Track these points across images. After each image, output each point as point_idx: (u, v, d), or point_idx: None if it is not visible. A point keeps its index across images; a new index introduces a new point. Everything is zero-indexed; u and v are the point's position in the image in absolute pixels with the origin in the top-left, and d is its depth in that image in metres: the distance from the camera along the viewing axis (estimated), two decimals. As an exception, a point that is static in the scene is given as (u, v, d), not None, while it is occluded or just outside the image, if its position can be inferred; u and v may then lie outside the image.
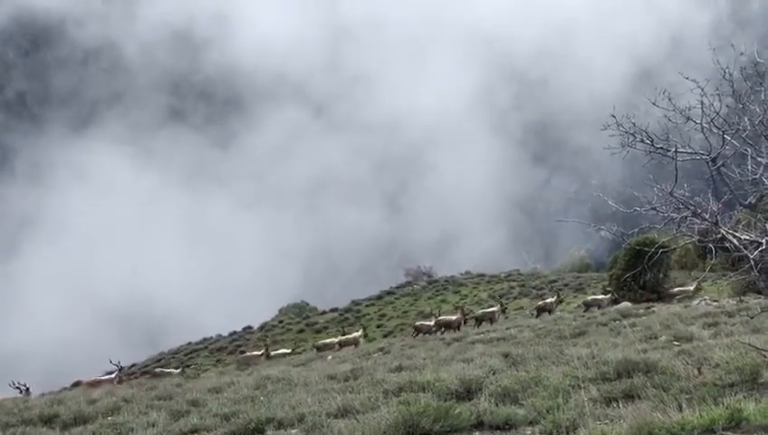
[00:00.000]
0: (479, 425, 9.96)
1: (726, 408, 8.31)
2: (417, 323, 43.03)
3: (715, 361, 12.63)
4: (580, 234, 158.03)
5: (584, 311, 37.53)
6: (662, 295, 39.02)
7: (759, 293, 37.33)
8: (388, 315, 61.30)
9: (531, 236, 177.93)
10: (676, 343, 18.07)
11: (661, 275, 44.61)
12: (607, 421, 9.24)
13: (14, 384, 32.83)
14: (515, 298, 56.92)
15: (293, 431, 10.97)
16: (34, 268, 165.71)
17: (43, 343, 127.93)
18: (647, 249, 41.17)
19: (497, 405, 10.60)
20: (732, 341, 15.07)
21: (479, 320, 38.81)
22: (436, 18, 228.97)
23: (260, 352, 41.37)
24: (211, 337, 64.21)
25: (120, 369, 36.85)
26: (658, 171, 11.80)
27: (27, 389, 32.56)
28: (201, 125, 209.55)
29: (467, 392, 12.02)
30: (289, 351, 42.97)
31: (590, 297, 40.53)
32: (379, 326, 54.93)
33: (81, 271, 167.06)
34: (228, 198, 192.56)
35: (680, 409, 8.54)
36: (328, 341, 42.46)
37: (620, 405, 10.24)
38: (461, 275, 73.76)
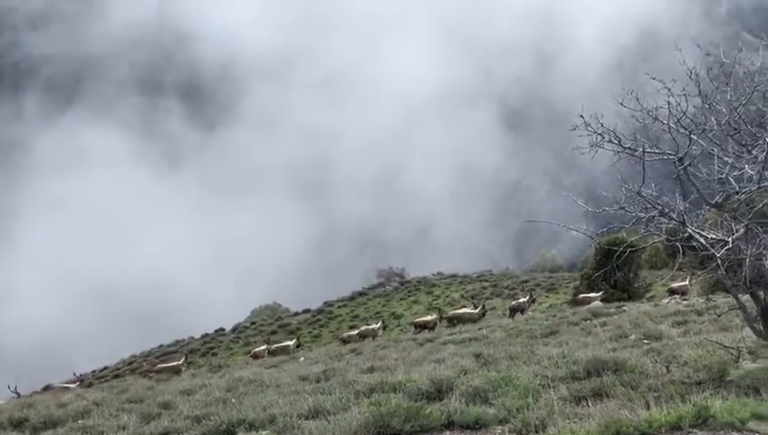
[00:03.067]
0: (450, 425, 9.97)
1: (693, 405, 8.38)
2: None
3: (684, 359, 12.72)
4: (551, 234, 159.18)
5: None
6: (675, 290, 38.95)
7: (727, 291, 37.64)
8: (360, 316, 61.29)
9: (504, 237, 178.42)
10: (645, 341, 18.18)
11: (631, 275, 44.80)
12: (576, 420, 9.27)
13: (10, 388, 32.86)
14: (488, 298, 56.97)
15: (264, 433, 10.94)
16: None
17: (31, 329, 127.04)
18: (616, 248, 41.56)
19: (468, 405, 10.62)
20: (700, 339, 15.18)
21: (457, 320, 38.80)
22: (407, 3, 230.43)
23: (263, 348, 41.79)
24: (183, 339, 63.97)
25: (81, 380, 36.69)
26: (630, 171, 11.87)
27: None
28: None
29: (438, 393, 12.04)
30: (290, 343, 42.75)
31: (581, 295, 40.59)
32: (351, 327, 54.76)
33: (67, 255, 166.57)
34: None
35: (648, 406, 8.60)
36: (353, 332, 43.20)
37: (590, 404, 10.31)
38: (433, 275, 73.95)
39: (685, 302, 33.24)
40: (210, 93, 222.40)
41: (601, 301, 38.52)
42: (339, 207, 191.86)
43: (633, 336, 19.58)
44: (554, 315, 32.83)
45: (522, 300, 41.66)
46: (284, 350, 40.67)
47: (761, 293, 10.82)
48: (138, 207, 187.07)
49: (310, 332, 58.80)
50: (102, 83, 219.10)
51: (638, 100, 11.01)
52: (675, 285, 40.98)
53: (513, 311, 39.64)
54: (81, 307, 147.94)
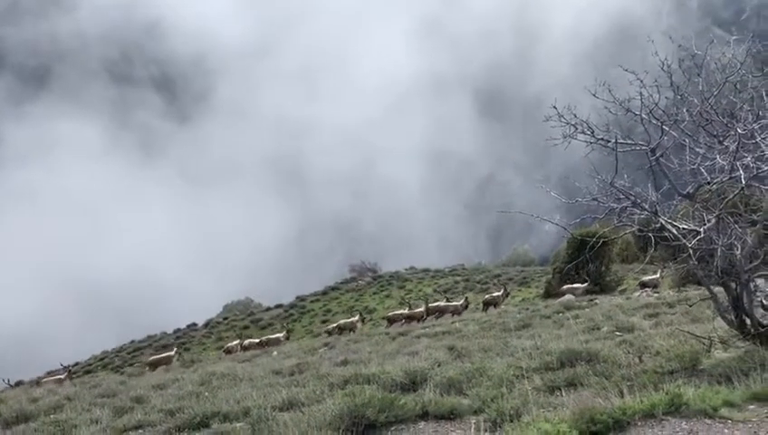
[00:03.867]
0: (424, 415, 10.00)
1: (666, 393, 8.44)
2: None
3: (656, 349, 12.82)
4: (524, 229, 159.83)
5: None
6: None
7: (698, 283, 37.94)
8: (333, 311, 61.24)
9: (476, 231, 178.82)
10: (618, 333, 18.30)
11: (603, 268, 44.94)
12: (550, 409, 9.33)
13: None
14: (461, 292, 56.98)
15: (239, 425, 10.90)
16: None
17: (3, 324, 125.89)
18: (589, 241, 41.75)
19: (442, 396, 10.66)
20: (671, 330, 15.30)
21: (441, 312, 39.00)
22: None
23: (235, 343, 42.23)
24: (155, 334, 63.61)
25: (68, 370, 36.43)
26: (603, 163, 11.92)
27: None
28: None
29: (413, 384, 12.06)
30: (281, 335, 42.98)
31: (565, 286, 40.63)
32: (324, 322, 54.76)
33: (41, 248, 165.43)
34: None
35: (621, 395, 8.65)
36: (398, 312, 43.07)
37: (563, 393, 10.36)
38: (405, 270, 73.90)
39: (656, 294, 33.47)
40: (183, 85, 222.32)
41: (586, 292, 38.72)
42: (313, 200, 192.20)
43: (605, 328, 19.70)
44: (527, 309, 32.93)
45: (496, 294, 41.72)
46: (276, 341, 40.79)
47: (732, 283, 10.89)
48: (112, 199, 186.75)
49: (282, 327, 58.54)
50: (73, 74, 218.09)
51: (610, 91, 11.05)
52: (646, 278, 41.24)
53: (487, 304, 39.69)
54: (54, 300, 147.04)
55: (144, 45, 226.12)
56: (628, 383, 9.89)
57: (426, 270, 73.30)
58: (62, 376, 33.87)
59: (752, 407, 8.37)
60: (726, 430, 7.73)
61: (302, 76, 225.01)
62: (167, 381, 21.47)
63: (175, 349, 42.37)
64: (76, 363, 57.43)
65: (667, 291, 35.63)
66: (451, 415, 9.91)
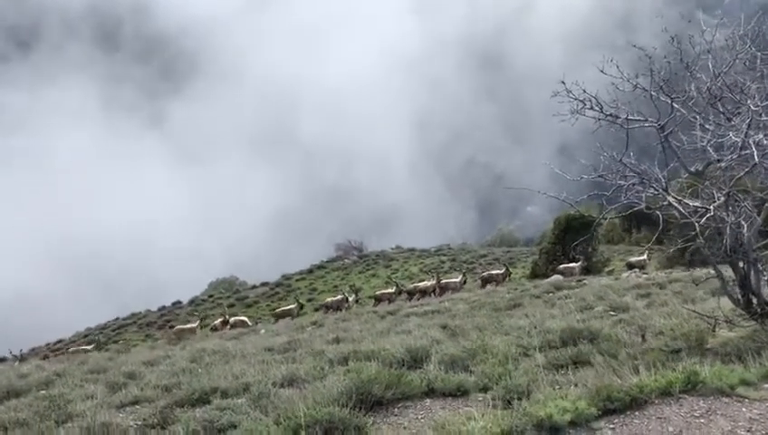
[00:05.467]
0: (430, 392, 9.88)
1: (683, 371, 8.36)
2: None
3: (657, 328, 12.77)
4: (509, 210, 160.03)
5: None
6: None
7: (686, 265, 38.08)
8: (319, 289, 61.26)
9: (461, 212, 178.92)
10: (612, 313, 18.26)
11: (590, 249, 45.00)
12: (558, 387, 9.24)
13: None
14: (446, 272, 57.02)
15: (240, 401, 10.77)
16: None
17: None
18: (575, 223, 41.76)
19: (447, 373, 10.55)
20: (671, 309, 15.29)
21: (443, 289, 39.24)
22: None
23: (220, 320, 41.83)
24: (140, 312, 63.41)
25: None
26: (601, 141, 11.81)
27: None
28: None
29: (414, 361, 11.93)
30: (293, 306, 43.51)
31: (561, 266, 40.71)
32: (310, 300, 54.73)
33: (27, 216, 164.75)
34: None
35: (637, 372, 8.57)
36: (386, 291, 44.19)
37: (570, 371, 10.29)
38: (391, 249, 73.99)
39: (645, 275, 33.54)
40: (172, 54, 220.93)
41: (582, 270, 38.92)
42: (302, 173, 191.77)
43: (599, 308, 19.67)
44: (516, 289, 32.96)
45: (495, 272, 41.96)
46: (289, 313, 42.54)
47: (739, 262, 10.81)
48: (101, 170, 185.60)
49: (268, 305, 58.51)
50: (61, 39, 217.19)
51: (618, 67, 10.93)
52: (633, 259, 41.47)
53: (485, 282, 39.99)
54: (44, 270, 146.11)
55: (130, 19, 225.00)
56: (635, 362, 9.82)
57: (411, 250, 73.42)
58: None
59: (767, 386, 8.32)
60: (744, 409, 7.66)
61: (293, 41, 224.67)
62: (156, 357, 21.33)
63: (198, 320, 42.42)
64: (59, 341, 57.20)
65: (656, 272, 35.75)
66: (458, 392, 9.80)
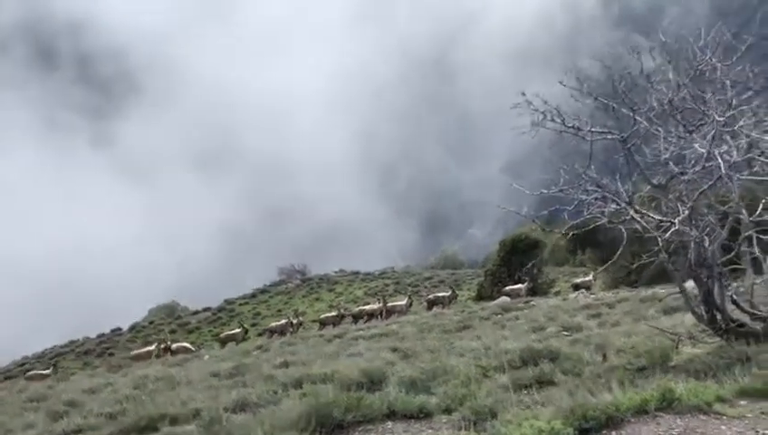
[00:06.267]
0: (392, 414, 9.52)
1: (657, 389, 8.12)
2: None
3: (617, 347, 12.58)
4: (451, 231, 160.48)
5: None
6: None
7: (630, 285, 38.28)
8: (262, 314, 60.58)
9: (403, 232, 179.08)
10: (565, 333, 18.08)
11: (535, 271, 45.05)
12: (524, 407, 8.95)
13: None
14: (391, 295, 56.73)
15: (189, 428, 10.31)
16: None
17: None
18: (521, 245, 41.84)
19: (408, 394, 10.21)
20: (629, 328, 15.15)
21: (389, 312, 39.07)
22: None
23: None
24: (77, 340, 62.07)
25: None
26: (548, 155, 11.61)
27: None
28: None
29: (371, 383, 11.57)
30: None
31: (508, 287, 40.66)
32: (254, 325, 53.96)
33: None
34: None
35: (609, 390, 8.30)
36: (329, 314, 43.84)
37: (535, 391, 10.01)
38: (335, 272, 73.54)
39: (592, 296, 33.59)
40: (111, 75, 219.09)
41: (528, 291, 38.99)
42: (241, 196, 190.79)
43: (551, 329, 19.49)
44: (462, 311, 32.80)
45: (441, 294, 41.91)
46: (234, 338, 42.44)
47: (703, 277, 10.62)
48: (40, 193, 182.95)
49: (210, 330, 57.71)
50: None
51: (578, 79, 10.74)
52: (578, 280, 41.61)
53: (432, 304, 39.91)
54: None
55: (66, 38, 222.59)
56: (601, 381, 9.59)
57: (355, 273, 73.05)
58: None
59: (743, 402, 8.09)
60: (723, 427, 7.41)
61: (236, 54, 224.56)
62: (97, 385, 20.79)
63: (155, 344, 41.62)
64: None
65: (602, 292, 35.85)
66: (420, 414, 9.47)
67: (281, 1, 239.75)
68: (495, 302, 35.59)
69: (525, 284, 40.44)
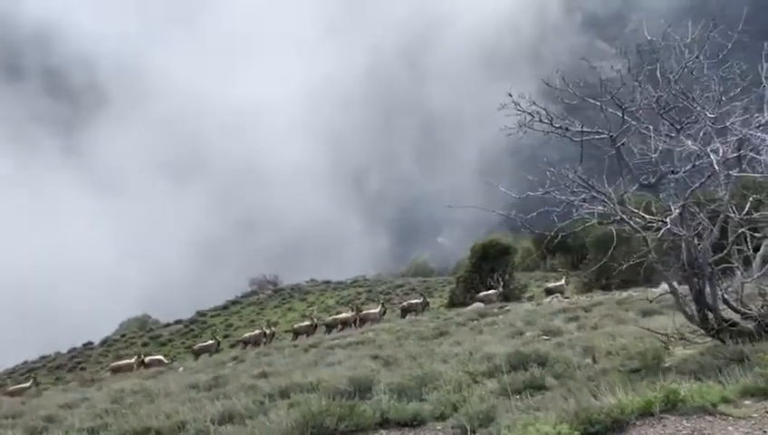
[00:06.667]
0: (385, 422, 9.34)
1: (661, 390, 7.98)
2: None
3: (604, 349, 12.47)
4: (421, 240, 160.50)
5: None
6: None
7: (603, 289, 38.39)
8: (234, 325, 60.20)
9: (373, 241, 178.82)
10: (545, 337, 17.98)
11: (506, 276, 45.12)
12: (519, 412, 8.78)
13: None
14: (363, 303, 56.53)
15: (177, 441, 10.10)
16: None
17: None
18: (492, 251, 41.87)
19: (399, 402, 10.01)
20: (613, 329, 15.06)
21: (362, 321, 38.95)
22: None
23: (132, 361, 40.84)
24: (49, 355, 61.32)
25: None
26: (521, 160, 11.54)
27: None
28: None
29: (358, 391, 11.37)
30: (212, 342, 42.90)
31: (481, 293, 40.65)
32: (226, 337, 53.59)
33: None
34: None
35: (613, 393, 8.15)
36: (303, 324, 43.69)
37: (528, 396, 9.86)
38: (306, 282, 73.22)
39: (567, 300, 33.64)
40: (78, 87, 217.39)
41: (499, 296, 39.08)
42: (216, 203, 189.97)
43: (530, 333, 19.41)
44: (438, 317, 32.69)
45: (414, 301, 41.89)
46: (207, 349, 42.31)
47: (694, 277, 10.51)
48: (3, 206, 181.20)
49: (183, 343, 57.26)
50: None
51: (563, 79, 10.62)
52: (551, 285, 41.71)
53: (405, 311, 39.94)
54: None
55: (32, 49, 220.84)
56: (594, 384, 9.44)
57: (327, 282, 72.79)
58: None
59: (747, 402, 7.95)
60: (731, 428, 7.27)
61: (204, 63, 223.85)
62: (73, 400, 20.42)
63: (135, 356, 41.26)
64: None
65: (577, 296, 35.91)
66: (414, 422, 9.28)
67: (249, 10, 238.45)
68: (470, 308, 35.57)
69: (497, 290, 40.45)
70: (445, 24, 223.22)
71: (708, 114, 9.85)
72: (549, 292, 40.07)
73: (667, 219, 9.90)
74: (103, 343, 62.76)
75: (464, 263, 57.02)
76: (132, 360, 40.05)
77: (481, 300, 38.94)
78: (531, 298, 42.16)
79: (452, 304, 46.55)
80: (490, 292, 40.25)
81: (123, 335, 63.91)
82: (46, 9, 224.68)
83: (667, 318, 13.88)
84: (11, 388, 39.80)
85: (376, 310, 40.59)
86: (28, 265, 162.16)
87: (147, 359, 39.70)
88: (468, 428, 8.42)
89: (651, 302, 16.91)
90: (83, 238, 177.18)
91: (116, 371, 38.68)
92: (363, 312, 40.86)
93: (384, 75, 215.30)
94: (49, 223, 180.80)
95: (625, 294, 29.76)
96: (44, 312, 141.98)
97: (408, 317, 37.88)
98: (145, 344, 56.85)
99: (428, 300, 43.08)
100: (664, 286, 12.96)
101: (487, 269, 46.10)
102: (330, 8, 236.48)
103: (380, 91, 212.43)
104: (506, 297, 41.35)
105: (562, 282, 40.97)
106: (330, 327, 40.19)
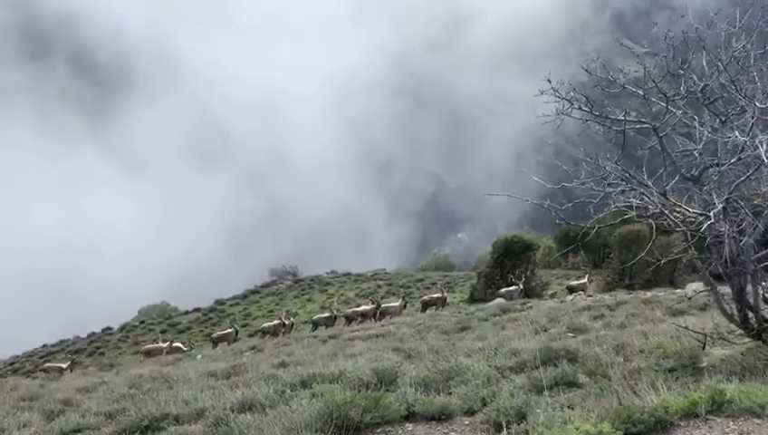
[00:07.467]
0: (411, 416, 9.05)
1: (706, 390, 7.62)
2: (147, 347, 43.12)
3: (636, 347, 12.13)
4: (439, 237, 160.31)
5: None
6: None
7: (627, 288, 37.99)
8: (253, 315, 60.04)
9: (395, 237, 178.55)
10: (570, 334, 17.63)
11: (528, 273, 44.81)
12: (550, 409, 8.44)
13: None
14: (383, 297, 56.22)
15: (195, 427, 9.80)
16: None
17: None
18: (514, 247, 41.51)
19: (426, 395, 9.70)
20: (644, 328, 14.71)
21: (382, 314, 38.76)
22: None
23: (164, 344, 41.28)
24: (68, 339, 61.39)
25: None
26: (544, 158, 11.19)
27: None
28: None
29: (382, 383, 11.06)
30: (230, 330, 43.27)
31: (503, 289, 40.40)
32: (244, 326, 53.38)
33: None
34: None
35: (656, 391, 7.80)
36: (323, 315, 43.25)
37: (561, 393, 9.53)
38: (327, 274, 72.90)
39: (590, 298, 33.29)
40: (100, 72, 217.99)
41: (521, 293, 38.86)
42: (234, 193, 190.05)
43: (554, 330, 19.09)
44: (459, 312, 32.44)
45: (435, 295, 41.52)
46: (226, 338, 42.44)
47: (736, 275, 10.12)
48: (33, 187, 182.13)
49: (201, 331, 57.09)
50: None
51: (604, 66, 10.26)
52: (574, 282, 41.37)
53: (426, 305, 39.68)
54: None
55: (57, 31, 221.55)
56: (629, 382, 9.09)
57: (347, 274, 72.37)
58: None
59: (796, 405, 7.61)
60: (781, 431, 6.94)
61: (232, 48, 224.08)
62: (91, 384, 20.29)
63: (168, 341, 41.50)
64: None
65: (600, 295, 35.53)
66: (441, 416, 8.97)
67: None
68: (492, 303, 35.23)
69: (518, 286, 40.16)
70: (474, 18, 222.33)
71: (758, 104, 9.45)
72: (571, 290, 39.71)
73: (711, 213, 9.50)
74: (122, 328, 62.74)
75: (485, 258, 56.67)
76: (165, 344, 40.68)
77: (502, 296, 38.60)
78: (553, 295, 41.80)
79: (473, 299, 46.23)
80: (511, 288, 39.93)
81: (142, 322, 63.82)
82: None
83: (696, 319, 13.54)
84: (47, 365, 40.21)
85: (396, 303, 40.29)
86: (52, 247, 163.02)
87: (216, 334, 40.93)
88: (500, 423, 8.10)
89: (689, 299, 16.50)
90: (109, 221, 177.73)
91: (148, 353, 39.86)
92: (383, 305, 40.54)
93: (412, 66, 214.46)
94: (74, 206, 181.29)
95: (649, 294, 29.43)
96: (67, 294, 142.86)
97: (428, 311, 37.56)
98: (163, 331, 56.67)
99: (447, 296, 42.63)
100: (692, 286, 12.59)
101: (509, 265, 45.78)
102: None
103: (409, 81, 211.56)
104: (527, 294, 40.96)
105: (585, 280, 40.64)
106: (349, 319, 39.94)
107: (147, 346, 42.40)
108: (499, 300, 37.02)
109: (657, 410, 7.13)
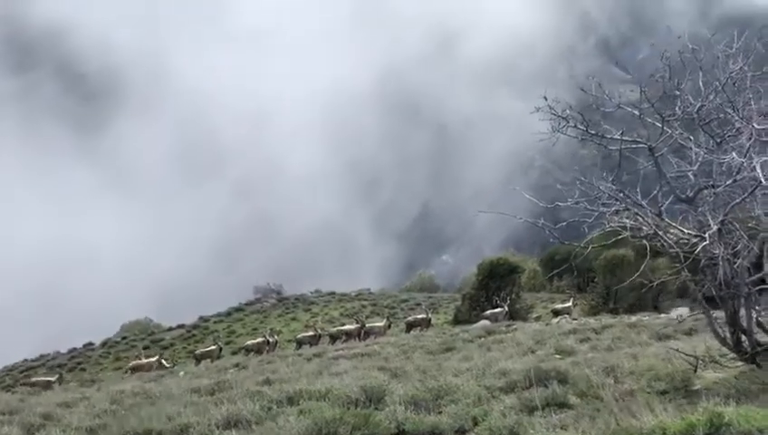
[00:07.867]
0: (401, 434, 8.93)
1: (704, 413, 7.52)
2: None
3: (626, 369, 12.04)
4: (424, 257, 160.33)
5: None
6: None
7: (611, 312, 38.03)
8: (237, 332, 59.75)
9: (380, 257, 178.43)
10: (557, 356, 17.56)
11: (513, 296, 44.75)
12: (543, 429, 8.34)
13: None
14: (368, 317, 56.06)
15: (180, 444, 9.67)
16: None
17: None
18: (499, 269, 41.53)
19: (416, 413, 9.58)
20: (635, 350, 14.65)
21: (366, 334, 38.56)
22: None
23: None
24: (48, 354, 60.90)
25: None
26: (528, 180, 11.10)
27: None
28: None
29: (370, 401, 10.94)
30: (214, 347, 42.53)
31: (488, 311, 40.27)
32: (228, 343, 53.08)
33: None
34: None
35: (652, 412, 7.70)
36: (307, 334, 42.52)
37: (552, 413, 9.42)
38: (311, 293, 72.73)
39: (575, 321, 33.32)
40: (87, 85, 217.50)
41: (506, 315, 38.76)
42: (229, 205, 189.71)
43: (541, 352, 19.02)
44: (444, 333, 32.34)
45: (420, 316, 41.45)
46: (209, 354, 41.61)
47: (729, 298, 10.05)
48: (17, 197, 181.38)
49: (184, 347, 56.75)
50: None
51: (600, 85, 10.22)
52: (558, 306, 41.40)
53: (411, 326, 39.59)
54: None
55: (46, 46, 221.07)
56: (622, 404, 8.99)
57: (332, 293, 72.20)
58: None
59: (794, 429, 7.53)
60: (779, 455, 6.85)
61: (221, 60, 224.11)
62: (72, 399, 20.00)
63: (157, 356, 40.99)
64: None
65: (585, 318, 35.58)
66: (431, 434, 8.86)
67: (266, 11, 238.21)
68: (477, 325, 35.15)
69: (505, 308, 40.12)
70: (465, 36, 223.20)
71: (756, 126, 9.41)
72: (556, 313, 39.77)
73: (706, 235, 9.44)
74: (104, 344, 62.31)
75: (470, 280, 56.63)
76: (153, 359, 39.89)
77: (487, 318, 38.54)
78: (538, 318, 41.81)
79: (457, 320, 46.11)
80: (497, 310, 39.88)
81: (124, 338, 63.41)
82: (62, 3, 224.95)
83: (684, 343, 13.48)
84: (34, 379, 39.67)
85: (381, 323, 40.16)
86: (38, 261, 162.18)
87: (144, 361, 39.62)
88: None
89: (680, 322, 16.48)
90: (96, 235, 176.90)
91: (135, 369, 38.46)
92: (368, 325, 40.43)
93: (402, 82, 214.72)
94: (61, 219, 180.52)
95: (634, 318, 29.48)
96: (52, 308, 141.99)
97: (413, 332, 37.47)
98: (146, 347, 56.30)
99: (431, 317, 42.53)
100: (677, 311, 12.55)
101: (494, 287, 45.72)
102: (350, 5, 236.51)
103: (398, 97, 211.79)
104: (512, 316, 40.86)
105: (570, 304, 40.67)
106: (334, 338, 39.81)
107: (133, 362, 41.66)
108: (484, 322, 36.93)
109: (654, 431, 7.04)
